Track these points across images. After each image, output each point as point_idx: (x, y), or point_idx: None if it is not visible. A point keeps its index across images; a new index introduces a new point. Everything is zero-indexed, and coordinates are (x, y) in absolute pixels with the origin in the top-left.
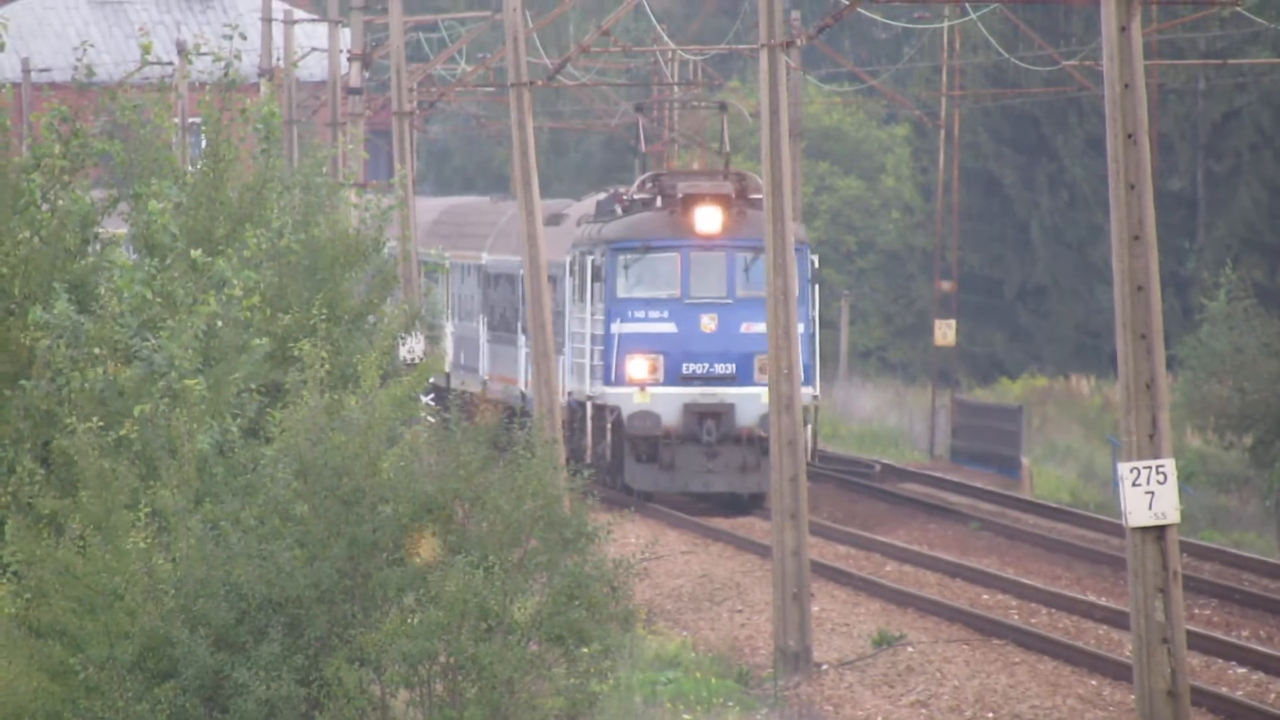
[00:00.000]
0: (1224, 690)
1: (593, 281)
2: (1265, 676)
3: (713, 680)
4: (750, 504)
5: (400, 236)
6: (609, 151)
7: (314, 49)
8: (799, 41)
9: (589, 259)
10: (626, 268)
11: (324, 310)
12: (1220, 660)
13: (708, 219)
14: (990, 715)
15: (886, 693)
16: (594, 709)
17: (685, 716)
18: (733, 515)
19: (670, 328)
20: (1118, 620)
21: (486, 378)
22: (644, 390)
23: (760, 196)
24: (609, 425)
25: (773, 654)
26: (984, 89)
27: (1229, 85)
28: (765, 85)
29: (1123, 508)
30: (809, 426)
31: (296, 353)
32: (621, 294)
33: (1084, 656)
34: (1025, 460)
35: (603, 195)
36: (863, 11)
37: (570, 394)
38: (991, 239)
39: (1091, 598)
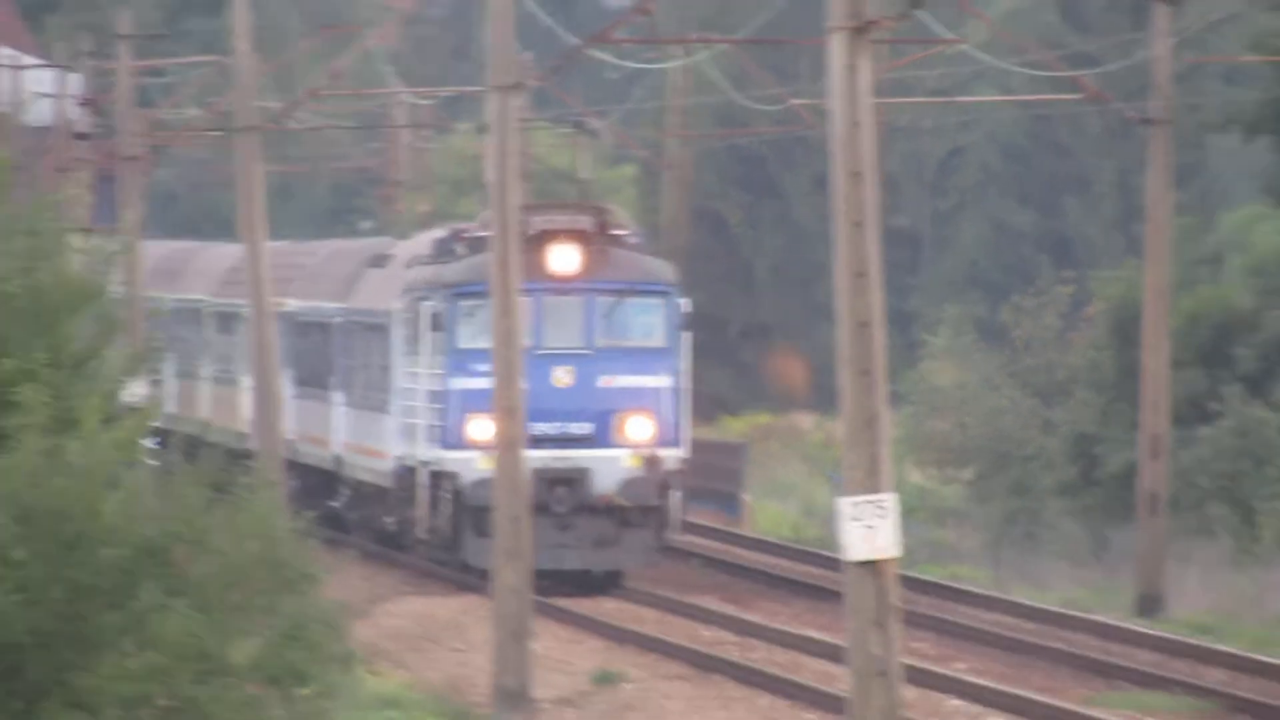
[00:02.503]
0: None
1: (430, 331)
2: (981, 708)
3: (431, 719)
4: (608, 582)
5: (126, 281)
6: (336, 195)
7: (42, 94)
8: (529, 83)
9: (425, 305)
10: (470, 315)
11: (47, 355)
12: (937, 692)
13: (564, 258)
14: None
15: None
16: None
17: None
18: (589, 595)
19: None
20: (836, 654)
21: (292, 438)
22: (487, 454)
23: (625, 233)
24: (447, 494)
25: (492, 692)
26: (712, 129)
27: (954, 123)
28: (495, 127)
29: (842, 542)
30: (678, 494)
31: (17, 398)
32: (463, 344)
33: (801, 691)
34: (747, 497)
35: (442, 233)
36: (592, 54)
37: (399, 459)
38: (717, 278)
39: (810, 633)
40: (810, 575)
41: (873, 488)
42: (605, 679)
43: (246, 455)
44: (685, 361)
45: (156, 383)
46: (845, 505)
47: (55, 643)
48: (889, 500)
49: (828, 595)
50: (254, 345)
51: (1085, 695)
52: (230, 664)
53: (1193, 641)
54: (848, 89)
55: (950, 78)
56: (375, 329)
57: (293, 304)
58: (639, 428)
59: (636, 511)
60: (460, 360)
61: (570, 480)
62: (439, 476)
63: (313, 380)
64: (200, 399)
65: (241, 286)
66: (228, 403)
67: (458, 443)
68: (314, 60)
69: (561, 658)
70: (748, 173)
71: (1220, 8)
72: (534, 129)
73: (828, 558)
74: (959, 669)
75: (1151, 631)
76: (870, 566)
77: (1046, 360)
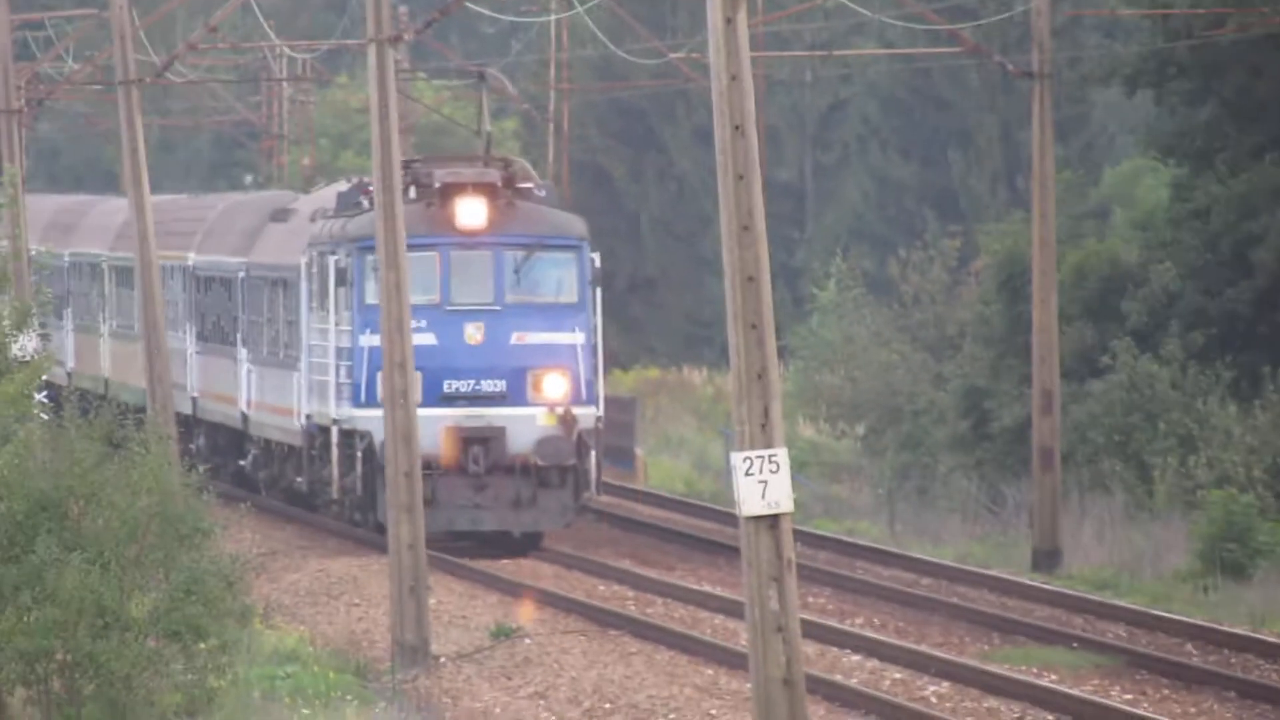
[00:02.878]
0: (838, 678)
1: (336, 286)
2: (879, 663)
3: (331, 674)
4: (526, 544)
5: (11, 235)
6: (217, 148)
7: None
8: (407, 36)
9: (331, 260)
10: (376, 270)
11: None
12: (835, 648)
13: (471, 212)
14: (608, 705)
15: (504, 684)
16: (212, 704)
17: (304, 710)
18: (506, 557)
19: (429, 339)
20: (733, 610)
21: (196, 395)
22: None
23: (531, 185)
24: (359, 454)
25: (391, 647)
26: (592, 82)
27: (835, 76)
28: (374, 81)
29: (736, 497)
30: (592, 453)
31: None
32: (370, 300)
33: (700, 646)
34: (639, 451)
35: (344, 186)
36: (470, 6)
37: (309, 417)
38: (602, 232)
39: (707, 588)
40: (705, 530)
41: (765, 442)
42: (503, 634)
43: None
44: (597, 317)
45: (46, 337)
46: (738, 460)
47: None
48: (781, 454)
49: (724, 550)
50: (142, 298)
51: (983, 651)
52: (128, 618)
53: (1091, 597)
54: (726, 42)
55: (829, 31)
56: (280, 284)
57: (193, 258)
58: (554, 385)
59: (554, 471)
60: (369, 316)
61: (485, 439)
62: (350, 435)
63: (217, 336)
64: (101, 355)
65: (136, 240)
66: (129, 359)
67: (369, 400)
68: (193, 13)
69: (459, 613)
70: (629, 126)
71: None
72: (415, 81)
73: (723, 512)
74: (857, 624)
75: (1048, 586)
76: (765, 521)
77: (935, 314)
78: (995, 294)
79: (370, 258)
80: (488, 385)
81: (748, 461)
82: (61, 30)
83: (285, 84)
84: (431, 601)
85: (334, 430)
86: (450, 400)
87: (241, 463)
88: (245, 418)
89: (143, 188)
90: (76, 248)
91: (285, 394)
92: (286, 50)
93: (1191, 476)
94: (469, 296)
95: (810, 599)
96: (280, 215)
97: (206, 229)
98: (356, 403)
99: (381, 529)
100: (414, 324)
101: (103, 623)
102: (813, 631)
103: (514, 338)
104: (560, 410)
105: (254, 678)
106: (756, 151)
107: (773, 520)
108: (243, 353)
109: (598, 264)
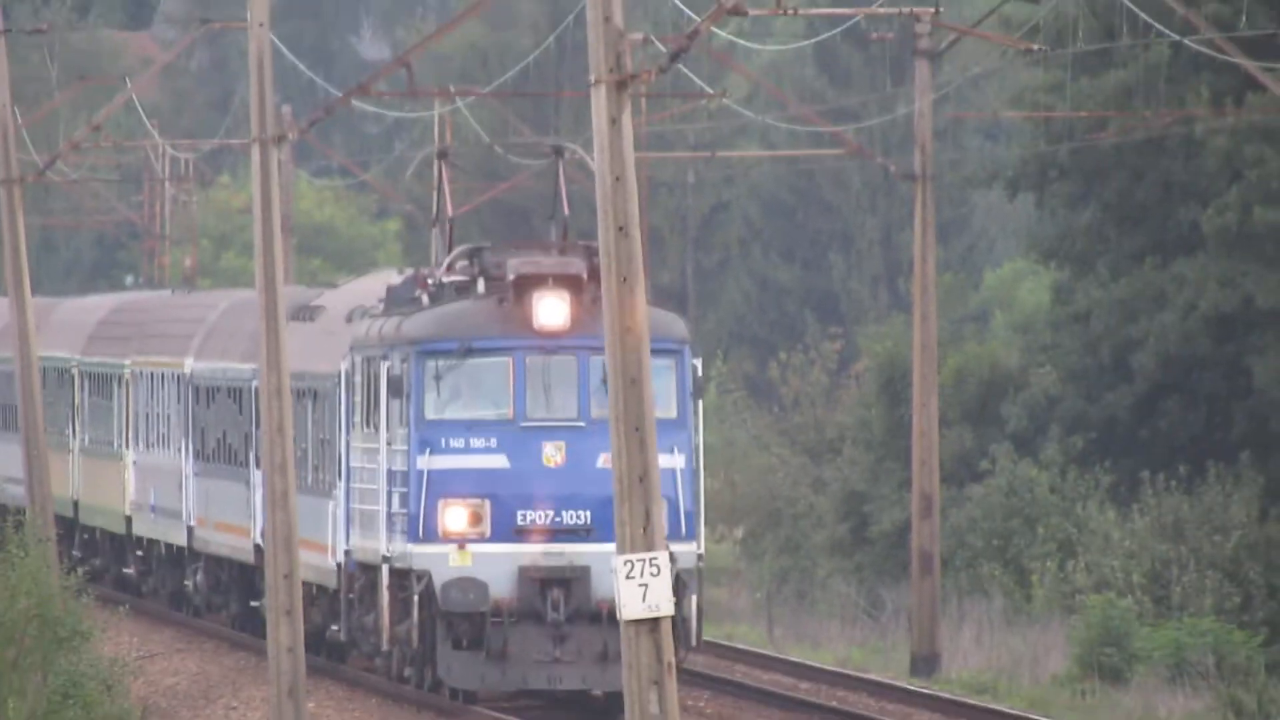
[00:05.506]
0: None
1: (389, 398)
2: None
3: None
4: (614, 706)
5: None
6: (99, 249)
7: None
8: (291, 136)
9: (382, 366)
10: (439, 378)
11: None
12: None
13: (551, 310)
14: None
15: None
16: None
17: None
18: None
19: (500, 461)
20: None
21: (194, 524)
22: (464, 549)
23: None
24: (415, 597)
25: None
26: (475, 181)
27: (718, 178)
28: (258, 180)
29: (618, 600)
30: (694, 599)
31: None
32: (431, 415)
33: None
34: None
35: (398, 278)
36: (356, 104)
37: (349, 553)
38: None
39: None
40: None
41: (646, 545)
42: None
43: (131, 540)
44: (699, 435)
45: None
46: (619, 563)
47: None
48: (662, 558)
49: None
50: (22, 398)
51: None
52: None
53: (969, 701)
54: (611, 143)
55: (712, 132)
56: (309, 395)
57: (191, 364)
58: None
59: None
60: (429, 434)
61: (566, 581)
62: (405, 576)
63: (222, 455)
64: (65, 471)
65: (121, 341)
66: (103, 478)
67: (428, 534)
68: (75, 111)
69: (337, 716)
70: (512, 226)
71: (979, 63)
72: (298, 181)
73: None
74: None
75: (927, 691)
76: (646, 625)
77: (815, 418)
78: (876, 397)
79: (433, 363)
80: (569, 517)
81: (629, 564)
82: None
83: (168, 183)
84: (310, 704)
85: (384, 569)
86: (524, 535)
87: (254, 604)
88: (259, 551)
89: (24, 288)
90: (43, 350)
91: (317, 526)
92: (169, 149)
93: (1070, 581)
94: (548, 410)
95: (689, 702)
96: (304, 314)
97: (207, 330)
98: (414, 537)
99: (439, 687)
100: (482, 443)
101: None
102: None
103: (600, 460)
104: None
105: None
106: (640, 253)
107: (653, 623)
108: (257, 476)
109: (699, 372)
